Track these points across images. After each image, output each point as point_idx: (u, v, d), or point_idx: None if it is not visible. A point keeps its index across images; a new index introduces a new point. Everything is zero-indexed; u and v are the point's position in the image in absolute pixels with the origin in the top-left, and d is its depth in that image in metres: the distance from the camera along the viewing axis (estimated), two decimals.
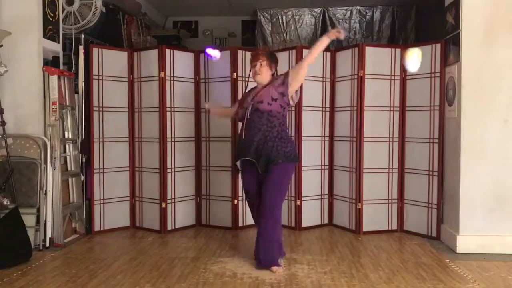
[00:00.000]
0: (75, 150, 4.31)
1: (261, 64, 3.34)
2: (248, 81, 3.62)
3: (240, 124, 3.51)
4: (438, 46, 4.11)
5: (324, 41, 3.24)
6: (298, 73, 3.29)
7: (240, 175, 3.52)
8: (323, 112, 4.55)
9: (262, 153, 3.24)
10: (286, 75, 3.32)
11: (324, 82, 4.52)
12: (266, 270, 3.24)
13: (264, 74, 3.35)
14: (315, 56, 3.30)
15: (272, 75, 3.40)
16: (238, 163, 3.40)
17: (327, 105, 4.56)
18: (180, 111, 4.48)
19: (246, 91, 3.57)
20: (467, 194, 3.75)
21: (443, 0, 4.13)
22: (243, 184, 3.49)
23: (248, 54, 4.33)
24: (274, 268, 3.25)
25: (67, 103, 4.22)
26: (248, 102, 3.37)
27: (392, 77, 4.35)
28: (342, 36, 3.20)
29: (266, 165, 3.24)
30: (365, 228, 4.33)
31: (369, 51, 4.29)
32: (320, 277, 3.14)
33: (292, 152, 3.32)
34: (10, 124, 3.83)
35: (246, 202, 3.71)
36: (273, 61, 3.40)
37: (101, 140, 4.37)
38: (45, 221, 3.80)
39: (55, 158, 3.88)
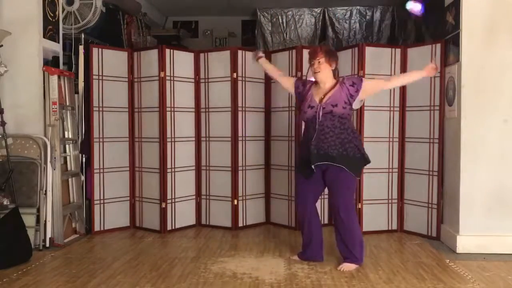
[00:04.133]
0: (75, 150, 4.31)
1: (319, 62, 3.27)
2: (306, 78, 3.61)
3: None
4: (438, 46, 4.10)
5: (414, 76, 3.39)
6: (373, 89, 3.35)
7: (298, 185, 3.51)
8: None
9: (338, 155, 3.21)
10: (360, 80, 3.29)
11: None
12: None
13: (324, 72, 3.29)
14: (398, 85, 3.66)
15: (334, 72, 3.34)
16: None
17: None
18: (180, 111, 4.48)
19: (303, 85, 3.46)
20: (467, 194, 3.75)
21: (443, 0, 4.13)
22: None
23: (249, 54, 4.35)
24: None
25: (67, 103, 4.22)
26: (315, 101, 3.28)
27: None
28: (434, 72, 3.30)
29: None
30: (365, 228, 4.32)
31: (369, 51, 4.29)
32: (320, 277, 3.14)
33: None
34: (10, 124, 3.82)
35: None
36: (332, 57, 3.32)
37: (101, 140, 4.37)
38: (45, 221, 3.80)
39: (55, 158, 3.89)
